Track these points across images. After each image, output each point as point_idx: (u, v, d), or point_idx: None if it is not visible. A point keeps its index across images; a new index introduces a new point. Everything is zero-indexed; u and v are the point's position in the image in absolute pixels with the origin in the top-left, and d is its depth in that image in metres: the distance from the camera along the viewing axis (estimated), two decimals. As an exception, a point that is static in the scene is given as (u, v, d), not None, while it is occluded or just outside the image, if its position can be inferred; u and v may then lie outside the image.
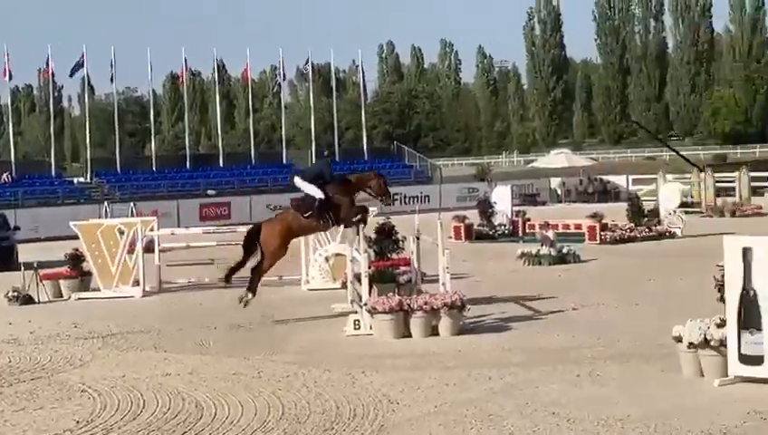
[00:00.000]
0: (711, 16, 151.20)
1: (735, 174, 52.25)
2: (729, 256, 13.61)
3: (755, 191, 54.39)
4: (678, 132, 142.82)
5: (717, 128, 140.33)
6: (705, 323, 14.00)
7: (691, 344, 13.92)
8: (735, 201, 48.89)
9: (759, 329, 13.28)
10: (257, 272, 21.31)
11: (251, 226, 22.51)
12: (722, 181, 52.90)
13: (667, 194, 41.00)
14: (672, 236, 37.21)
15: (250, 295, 21.10)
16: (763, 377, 13.26)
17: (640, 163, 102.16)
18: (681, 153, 68.39)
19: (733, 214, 46.45)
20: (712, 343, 13.74)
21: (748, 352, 13.38)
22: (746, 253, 13.40)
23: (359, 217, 21.54)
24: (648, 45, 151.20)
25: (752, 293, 13.34)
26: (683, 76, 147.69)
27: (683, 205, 43.08)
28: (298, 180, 21.83)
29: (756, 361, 13.32)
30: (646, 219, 38.54)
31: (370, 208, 23.29)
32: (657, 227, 37.77)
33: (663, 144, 66.71)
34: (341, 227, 23.12)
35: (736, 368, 13.50)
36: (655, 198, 43.41)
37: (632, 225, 37.90)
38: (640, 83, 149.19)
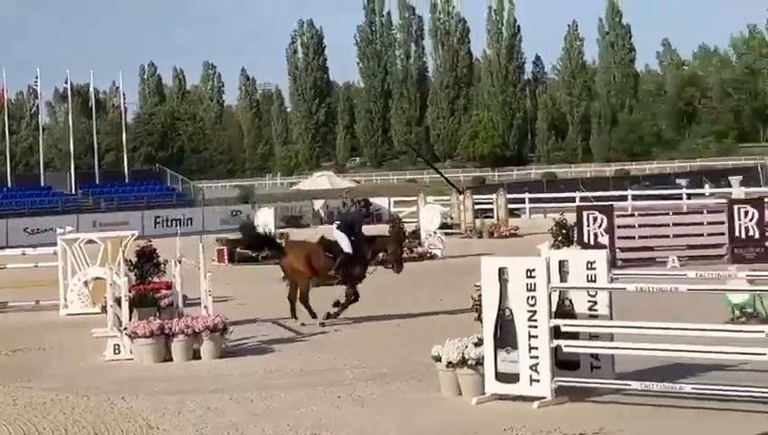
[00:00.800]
0: (469, 42, 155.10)
1: (493, 196, 53.52)
2: (486, 277, 13.91)
3: (512, 213, 55.86)
4: (439, 155, 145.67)
5: (476, 151, 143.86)
6: (463, 342, 14.25)
7: (450, 363, 14.15)
8: (493, 222, 50.07)
9: (515, 347, 13.60)
10: (300, 300, 22.30)
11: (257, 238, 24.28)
12: (480, 203, 54.12)
13: (428, 216, 41.72)
14: (432, 257, 37.83)
15: (296, 319, 22.03)
16: (518, 394, 13.59)
17: (402, 185, 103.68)
18: (445, 176, 69.70)
19: (491, 235, 47.56)
20: (469, 362, 14.00)
21: (504, 370, 13.68)
22: (502, 273, 13.72)
23: (353, 296, 22.46)
24: (410, 69, 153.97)
25: (508, 312, 13.66)
26: (443, 100, 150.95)
27: (443, 226, 43.86)
28: (336, 233, 22.90)
29: (512, 378, 13.63)
30: (407, 241, 39.05)
31: (132, 232, 22.98)
32: (418, 249, 38.33)
33: (434, 169, 68.28)
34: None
35: (493, 386, 13.79)
36: (416, 220, 44.10)
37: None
38: (402, 106, 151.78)
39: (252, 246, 23.19)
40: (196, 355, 18.19)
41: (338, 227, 23.10)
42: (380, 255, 23.14)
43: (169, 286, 22.05)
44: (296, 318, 22.14)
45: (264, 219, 41.73)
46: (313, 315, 22.04)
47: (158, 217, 60.59)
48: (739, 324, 17.18)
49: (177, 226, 54.64)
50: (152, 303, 21.20)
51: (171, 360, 18.10)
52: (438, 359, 14.32)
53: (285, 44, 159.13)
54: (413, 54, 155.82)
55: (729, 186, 66.96)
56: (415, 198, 53.30)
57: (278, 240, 24.01)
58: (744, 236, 31.27)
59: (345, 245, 22.47)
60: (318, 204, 69.67)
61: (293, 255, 22.75)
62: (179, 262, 21.09)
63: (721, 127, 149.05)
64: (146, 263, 24.54)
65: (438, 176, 72.57)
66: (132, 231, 27.69)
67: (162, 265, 24.43)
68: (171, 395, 15.21)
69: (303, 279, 22.43)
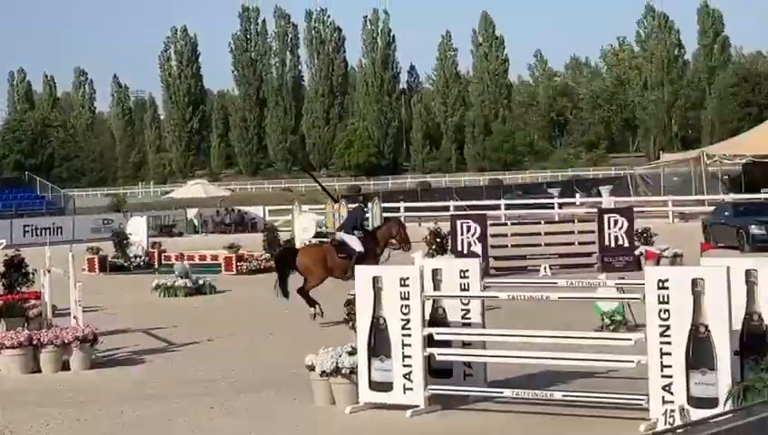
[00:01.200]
0: (345, 51, 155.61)
1: (368, 205, 53.61)
2: (360, 285, 13.91)
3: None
4: (314, 163, 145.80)
5: (351, 159, 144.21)
6: (337, 351, 14.23)
7: (323, 373, 14.11)
8: (368, 231, 50.14)
9: (388, 356, 13.62)
10: (303, 291, 23.06)
11: (280, 252, 25.57)
12: (355, 212, 54.17)
13: (303, 224, 41.63)
14: (307, 265, 37.72)
15: (315, 308, 22.62)
16: (392, 403, 13.60)
17: (277, 194, 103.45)
18: (321, 184, 69.64)
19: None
20: (343, 371, 13.98)
21: (378, 378, 13.69)
22: (376, 281, 13.73)
23: None
24: (285, 78, 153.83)
25: (382, 320, 13.67)
26: (318, 109, 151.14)
27: (318, 235, 43.80)
28: (342, 235, 23.94)
29: (386, 387, 13.65)
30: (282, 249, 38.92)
31: (0, 241, 22.59)
32: (293, 257, 38.19)
33: (312, 177, 68.36)
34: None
35: (367, 395, 13.79)
36: (291, 229, 43.97)
37: (269, 255, 38.18)
38: (277, 115, 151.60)
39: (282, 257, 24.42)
40: (65, 366, 17.86)
41: (340, 230, 24.41)
42: (392, 240, 24.51)
43: (38, 296, 21.61)
44: (316, 304, 22.70)
45: (136, 228, 41.24)
46: (311, 304, 22.67)
47: (27, 225, 59.37)
48: (608, 332, 17.45)
49: (46, 234, 53.73)
50: (20, 313, 20.77)
51: (40, 371, 17.75)
52: (312, 368, 14.27)
53: (158, 51, 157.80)
54: (288, 63, 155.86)
55: (599, 195, 68.04)
56: (290, 207, 53.15)
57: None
58: (613, 244, 31.74)
59: (356, 244, 23.55)
60: (191, 213, 69.05)
61: (309, 257, 23.47)
62: (48, 271, 20.71)
63: (591, 137, 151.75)
64: (14, 272, 23.97)
65: (314, 185, 72.48)
66: (0, 240, 27.14)
67: (31, 275, 23.93)
68: (40, 407, 14.92)
69: (317, 279, 23.19)
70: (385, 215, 33.24)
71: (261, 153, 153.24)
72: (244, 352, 19.26)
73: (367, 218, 25.29)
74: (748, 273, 12.36)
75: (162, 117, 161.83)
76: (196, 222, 67.61)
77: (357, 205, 27.23)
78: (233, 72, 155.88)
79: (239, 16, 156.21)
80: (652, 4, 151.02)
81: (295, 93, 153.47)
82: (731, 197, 57.84)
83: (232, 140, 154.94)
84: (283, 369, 16.86)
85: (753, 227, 37.83)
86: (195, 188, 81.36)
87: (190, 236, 62.77)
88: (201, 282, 30.26)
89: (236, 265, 36.06)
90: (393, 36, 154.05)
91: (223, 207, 69.81)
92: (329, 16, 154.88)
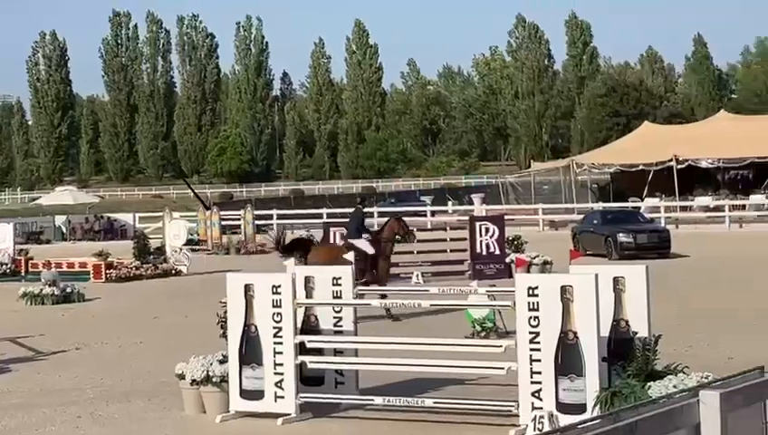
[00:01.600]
0: (218, 57, 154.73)
1: (241, 212, 53.38)
2: (232, 293, 13.79)
3: (260, 229, 55.86)
4: (186, 170, 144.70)
5: (224, 166, 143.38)
6: (207, 359, 14.09)
7: (194, 381, 13.95)
8: (241, 239, 49.90)
9: (260, 364, 13.52)
10: None
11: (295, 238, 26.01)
12: (228, 219, 53.90)
13: (174, 231, 41.21)
14: (178, 273, 37.42)
15: None
16: (263, 411, 13.51)
17: (148, 201, 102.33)
18: (195, 192, 69.09)
19: (238, 251, 47.40)
20: (214, 380, 13.84)
21: (249, 387, 13.58)
22: (248, 289, 13.62)
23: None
24: (156, 83, 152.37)
25: (253, 328, 13.57)
26: (190, 115, 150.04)
27: (189, 242, 43.45)
28: (351, 241, 24.41)
29: (257, 395, 13.54)
30: (152, 257, 38.51)
31: None
32: (164, 265, 37.85)
33: (186, 183, 67.75)
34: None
35: (238, 403, 13.67)
36: (161, 236, 43.54)
37: (138, 262, 37.76)
38: (148, 121, 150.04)
39: (288, 248, 24.62)
40: (-74, 377, 17.40)
41: (349, 237, 24.95)
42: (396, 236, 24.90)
43: None
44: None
45: (2, 235, 40.42)
46: None
47: None
48: (479, 339, 17.58)
49: None
50: None
51: None
52: (182, 376, 14.10)
53: (26, 55, 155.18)
54: (160, 68, 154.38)
55: (471, 203, 68.75)
56: (161, 214, 52.65)
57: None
58: (484, 252, 32.02)
59: (365, 247, 24.05)
60: (60, 219, 67.89)
61: (323, 255, 23.55)
62: None
63: (464, 146, 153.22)
64: None
65: (186, 191, 72.01)
66: None
67: None
68: None
69: None
70: (385, 215, 33.73)
71: (131, 159, 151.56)
72: (113, 361, 18.97)
73: (366, 219, 25.98)
74: (616, 280, 12.56)
75: (30, 122, 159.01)
76: (64, 229, 66.48)
77: (355, 208, 27.55)
78: (103, 77, 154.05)
79: (110, 21, 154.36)
80: (523, 15, 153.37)
81: (167, 99, 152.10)
82: (599, 205, 58.89)
83: (102, 145, 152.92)
84: (153, 377, 16.65)
85: (620, 235, 38.55)
86: (63, 195, 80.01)
87: (58, 243, 61.72)
88: (69, 290, 29.77)
89: (106, 273, 35.55)
90: (266, 43, 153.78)
91: (92, 213, 68.80)
92: (201, 22, 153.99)
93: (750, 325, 20.56)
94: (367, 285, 23.75)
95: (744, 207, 59.82)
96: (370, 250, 24.11)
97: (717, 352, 17.34)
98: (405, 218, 27.77)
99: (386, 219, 28.15)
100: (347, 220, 27.85)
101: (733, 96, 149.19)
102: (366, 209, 29.96)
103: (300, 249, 24.48)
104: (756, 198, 60.30)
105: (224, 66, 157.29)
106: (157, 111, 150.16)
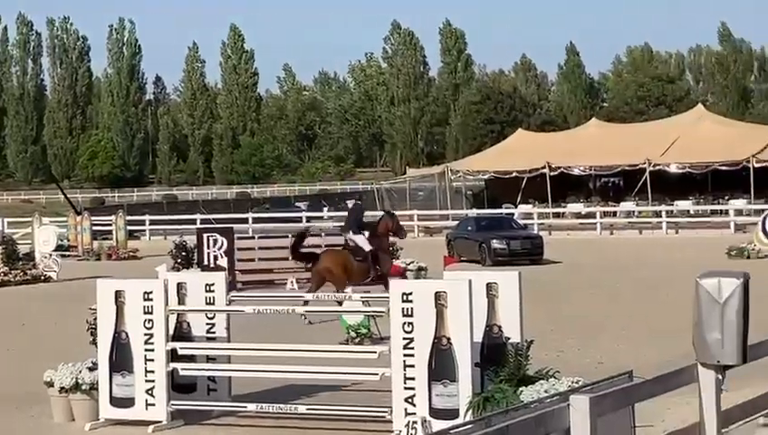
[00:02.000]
0: (89, 60, 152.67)
1: (112, 217, 52.68)
2: (102, 299, 13.57)
3: (132, 234, 55.19)
4: (56, 175, 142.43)
5: (95, 171, 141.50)
6: (77, 366, 13.84)
7: (63, 389, 13.70)
8: (112, 244, 49.25)
9: (131, 371, 13.33)
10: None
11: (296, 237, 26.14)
12: (99, 224, 53.14)
13: (43, 237, 40.49)
14: (48, 279, 36.76)
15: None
16: (133, 419, 13.32)
17: (17, 205, 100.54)
18: (68, 196, 68.04)
19: (109, 257, 46.75)
20: (83, 387, 13.61)
21: (120, 394, 13.39)
22: (119, 295, 13.42)
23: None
24: (26, 86, 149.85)
25: (124, 335, 13.37)
26: (61, 119, 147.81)
27: (59, 248, 42.70)
28: (351, 236, 24.85)
29: (128, 403, 13.35)
30: (21, 263, 37.79)
31: None
32: (33, 271, 37.17)
33: (58, 187, 66.91)
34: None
35: (108, 411, 13.46)
36: (31, 241, 42.73)
37: (6, 268, 37.01)
38: (18, 125, 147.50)
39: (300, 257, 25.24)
40: None
41: (346, 230, 25.36)
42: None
43: None
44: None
45: None
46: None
47: None
48: (353, 345, 17.58)
49: None
50: None
51: None
52: (51, 384, 13.84)
53: None
54: (30, 71, 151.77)
55: (346, 209, 68.84)
56: (30, 219, 51.68)
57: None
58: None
59: (364, 244, 24.46)
60: None
61: (331, 262, 23.99)
62: None
63: (340, 152, 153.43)
64: None
65: (57, 197, 70.89)
66: None
67: None
68: None
69: (341, 283, 23.58)
70: (383, 212, 33.61)
71: (0, 163, 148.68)
72: (-20, 369, 18.54)
73: (364, 215, 26.32)
74: (489, 286, 12.64)
75: None
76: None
77: (355, 202, 27.58)
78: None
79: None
80: (398, 21, 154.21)
81: (37, 103, 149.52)
82: (474, 211, 59.43)
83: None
84: (22, 385, 16.30)
85: (494, 241, 38.95)
86: (-71, 199, 78.15)
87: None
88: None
89: (-28, 279, 34.76)
90: (139, 46, 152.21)
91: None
92: (72, 24, 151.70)
93: (620, 331, 20.90)
94: (373, 283, 24.36)
95: (614, 213, 60.88)
96: (368, 247, 24.43)
97: (588, 357, 17.59)
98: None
99: (379, 215, 28.69)
100: (344, 214, 28.54)
101: (604, 104, 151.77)
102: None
103: (309, 260, 24.87)
104: (626, 205, 61.36)
105: (96, 69, 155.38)
106: (26, 114, 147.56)
